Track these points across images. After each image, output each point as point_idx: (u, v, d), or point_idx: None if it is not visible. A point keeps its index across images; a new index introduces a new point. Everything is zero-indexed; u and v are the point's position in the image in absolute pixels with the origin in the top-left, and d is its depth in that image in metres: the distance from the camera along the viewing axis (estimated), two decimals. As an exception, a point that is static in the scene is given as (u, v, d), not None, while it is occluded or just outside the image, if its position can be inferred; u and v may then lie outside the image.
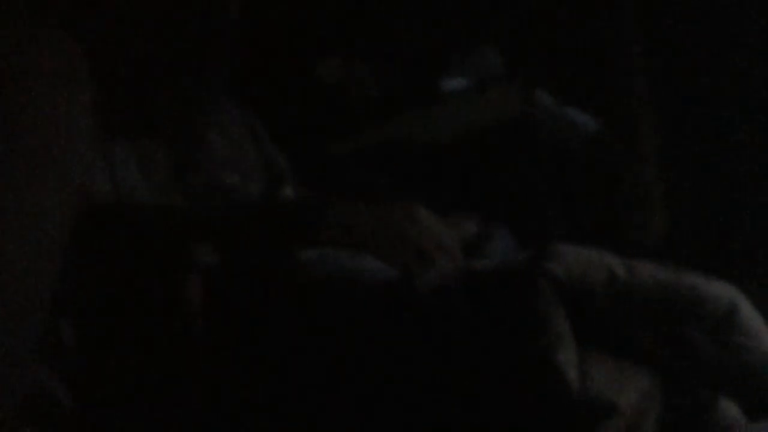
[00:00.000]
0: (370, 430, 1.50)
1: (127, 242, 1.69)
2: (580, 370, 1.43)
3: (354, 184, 2.35)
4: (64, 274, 1.16)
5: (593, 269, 1.49)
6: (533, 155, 2.60)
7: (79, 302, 1.57)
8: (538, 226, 2.44)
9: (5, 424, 1.06)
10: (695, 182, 2.65)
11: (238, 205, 1.84)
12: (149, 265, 1.66)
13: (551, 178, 2.59)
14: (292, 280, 1.61)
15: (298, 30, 2.57)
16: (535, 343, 1.44)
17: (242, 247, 1.71)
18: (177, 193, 1.89)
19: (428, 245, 1.74)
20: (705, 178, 2.66)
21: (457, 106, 2.66)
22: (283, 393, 1.54)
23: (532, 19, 2.71)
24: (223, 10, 1.28)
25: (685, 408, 1.48)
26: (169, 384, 1.60)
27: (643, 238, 2.57)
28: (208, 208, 1.81)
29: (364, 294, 1.58)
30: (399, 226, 1.74)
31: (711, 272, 1.54)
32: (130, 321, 1.63)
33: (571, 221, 2.53)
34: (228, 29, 1.28)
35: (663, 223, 2.60)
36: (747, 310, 1.51)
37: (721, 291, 1.51)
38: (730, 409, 1.50)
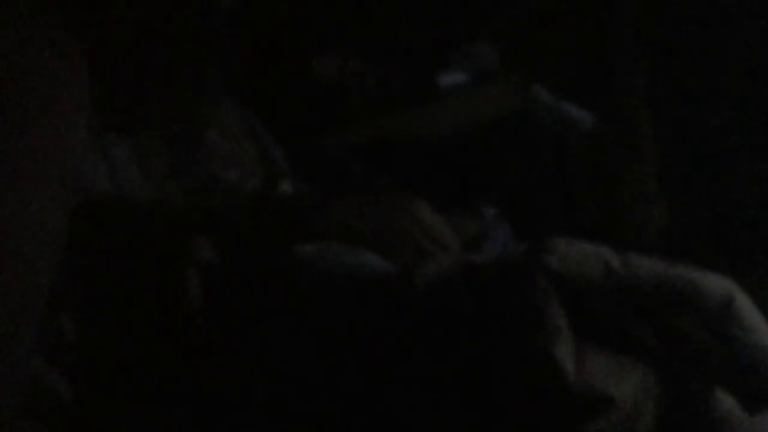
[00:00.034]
0: (369, 424, 1.51)
1: (126, 238, 1.70)
2: (577, 364, 1.44)
3: (352, 180, 2.35)
4: (63, 270, 1.16)
5: (590, 262, 1.50)
6: (531, 151, 2.61)
7: (79, 298, 1.58)
8: (536, 221, 2.45)
9: (6, 419, 1.06)
10: (693, 177, 2.66)
11: (236, 201, 1.84)
12: (148, 261, 1.66)
13: (549, 173, 2.59)
14: (291, 276, 1.61)
15: (296, 27, 2.57)
16: (532, 337, 1.44)
17: (241, 244, 1.71)
18: (175, 190, 1.90)
19: (427, 241, 1.74)
20: (703, 173, 2.66)
21: (454, 101, 2.66)
22: (281, 387, 1.55)
23: (530, 14, 2.71)
24: (214, 2, 1.28)
25: (681, 401, 1.48)
26: (169, 378, 1.60)
27: (640, 232, 2.57)
28: (206, 205, 1.81)
29: (362, 289, 1.58)
30: (398, 222, 1.74)
31: (708, 266, 1.55)
32: (129, 316, 1.63)
33: (568, 216, 2.53)
34: (222, 21, 1.28)
35: (660, 218, 2.61)
36: (744, 303, 1.51)
37: (718, 284, 1.51)
38: (726, 401, 1.50)
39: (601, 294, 1.49)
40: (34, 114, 1.05)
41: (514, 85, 2.64)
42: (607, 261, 1.51)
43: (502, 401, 1.45)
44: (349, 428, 1.51)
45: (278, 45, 2.53)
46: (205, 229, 1.71)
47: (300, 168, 2.19)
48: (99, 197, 1.75)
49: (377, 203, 1.77)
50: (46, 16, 1.10)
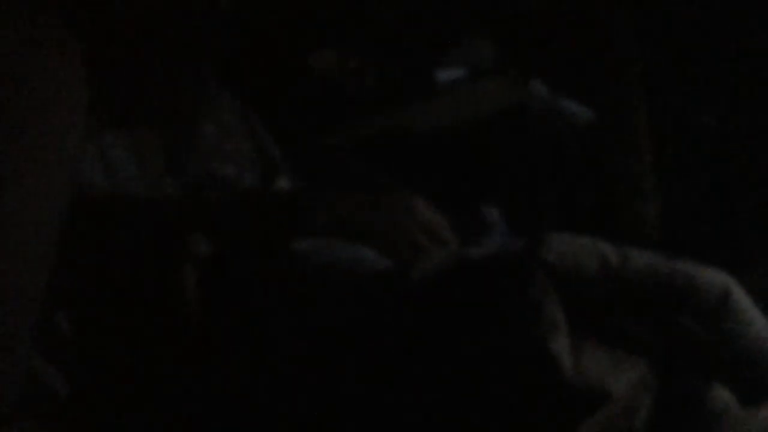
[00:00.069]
0: (366, 417, 1.51)
1: (124, 235, 1.70)
2: (574, 358, 1.44)
3: (350, 175, 2.35)
4: (61, 266, 1.17)
5: (586, 257, 1.50)
6: (528, 146, 2.61)
7: (76, 294, 1.58)
8: (534, 216, 2.45)
9: (4, 417, 1.06)
10: (690, 173, 2.66)
11: (233, 198, 1.85)
12: (146, 258, 1.67)
13: (546, 168, 2.59)
14: (288, 271, 1.61)
15: (294, 24, 2.58)
16: (529, 331, 1.45)
17: (238, 240, 1.71)
18: (172, 186, 1.90)
19: (425, 236, 1.74)
20: (700, 169, 2.66)
21: (452, 97, 2.66)
22: (279, 382, 1.55)
23: (528, 9, 2.72)
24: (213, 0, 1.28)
25: (678, 395, 1.48)
26: (166, 375, 1.61)
27: (637, 227, 2.57)
28: (203, 201, 1.81)
29: (360, 284, 1.58)
30: (395, 218, 1.74)
31: (705, 261, 1.55)
32: (127, 313, 1.64)
33: (566, 211, 2.53)
34: (220, 19, 1.28)
35: (657, 213, 2.61)
36: (740, 297, 1.52)
37: (715, 278, 1.52)
38: (723, 395, 1.50)
39: (599, 288, 1.49)
40: (34, 114, 1.06)
41: (512, 81, 2.64)
42: (604, 255, 1.51)
43: (499, 395, 1.45)
44: (346, 422, 1.52)
45: (276, 42, 2.53)
46: (202, 226, 1.71)
47: (298, 164, 2.19)
48: (96, 194, 1.75)
49: (375, 199, 1.77)
50: (46, 16, 1.10)
